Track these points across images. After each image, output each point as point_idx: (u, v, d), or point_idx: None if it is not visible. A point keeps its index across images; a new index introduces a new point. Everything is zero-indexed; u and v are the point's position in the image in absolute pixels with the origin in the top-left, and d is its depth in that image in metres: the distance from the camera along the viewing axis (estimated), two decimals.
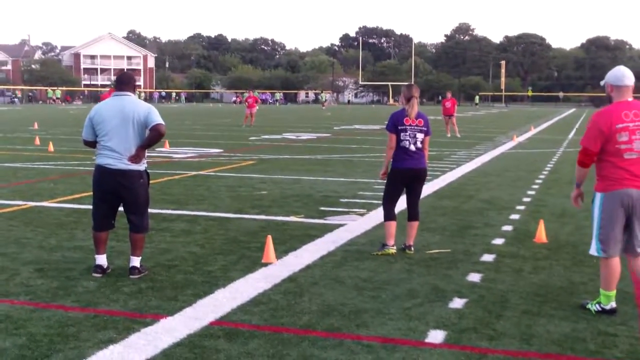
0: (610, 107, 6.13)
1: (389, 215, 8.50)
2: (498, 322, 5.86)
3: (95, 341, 5.26)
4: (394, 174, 8.50)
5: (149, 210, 7.50)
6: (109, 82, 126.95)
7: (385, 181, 8.72)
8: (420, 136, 8.39)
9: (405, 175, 8.45)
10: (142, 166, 7.19)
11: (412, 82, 9.60)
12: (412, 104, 8.36)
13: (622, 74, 6.14)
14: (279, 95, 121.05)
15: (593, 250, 6.24)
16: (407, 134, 8.35)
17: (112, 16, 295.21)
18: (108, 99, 7.33)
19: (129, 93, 7.22)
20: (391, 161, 8.52)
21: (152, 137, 7.07)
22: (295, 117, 55.15)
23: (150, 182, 7.47)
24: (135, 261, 7.21)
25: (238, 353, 5.09)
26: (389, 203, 8.54)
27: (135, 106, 7.09)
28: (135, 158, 7.09)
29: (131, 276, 7.10)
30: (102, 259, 7.25)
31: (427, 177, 14.70)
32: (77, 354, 5.03)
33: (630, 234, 6.13)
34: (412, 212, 8.60)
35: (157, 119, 7.06)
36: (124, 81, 7.30)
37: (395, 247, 8.37)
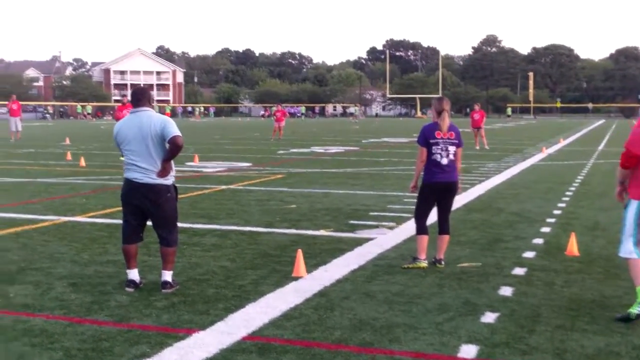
0: None
1: (421, 229, 8.48)
2: (531, 337, 5.82)
3: (129, 356, 5.31)
4: (425, 188, 8.47)
5: (180, 224, 7.56)
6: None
7: (414, 194, 8.71)
8: (452, 149, 8.38)
9: (436, 189, 8.42)
10: (169, 180, 7.24)
11: (442, 95, 9.58)
12: (443, 117, 8.33)
13: None
14: (303, 108, 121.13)
15: (627, 253, 6.38)
16: (439, 147, 8.33)
17: (142, 32, 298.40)
18: (126, 117, 7.39)
19: (145, 108, 7.27)
20: (422, 175, 8.50)
21: (171, 150, 7.11)
22: (324, 131, 55.24)
23: (180, 196, 7.53)
24: (167, 275, 7.26)
25: None
26: (420, 217, 8.52)
27: (150, 121, 7.13)
28: (163, 172, 7.15)
29: (163, 290, 7.16)
30: (134, 274, 7.31)
31: None
32: None
33: None
34: (443, 226, 8.57)
35: (173, 131, 7.06)
36: (139, 96, 7.33)
37: (426, 261, 8.35)
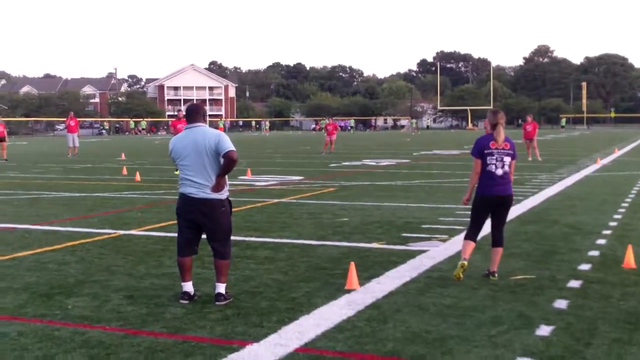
0: None
1: (470, 236, 8.44)
2: (587, 350, 5.74)
3: None
4: (479, 200, 8.43)
5: (233, 237, 7.66)
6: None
7: (468, 206, 8.67)
8: (507, 160, 8.35)
9: (491, 202, 8.38)
10: (223, 195, 7.34)
11: (496, 108, 9.62)
12: (498, 131, 8.33)
13: None
14: (352, 121, 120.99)
15: None
16: (494, 157, 8.31)
17: (195, 48, 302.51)
18: (182, 133, 7.53)
19: (199, 124, 7.41)
20: (476, 187, 8.47)
21: (226, 165, 7.23)
22: (375, 144, 55.21)
23: (234, 209, 7.62)
24: (221, 287, 7.34)
25: None
26: (473, 228, 8.48)
27: (205, 136, 7.26)
28: (217, 187, 7.25)
29: (217, 302, 7.23)
30: (188, 286, 7.41)
31: None
32: None
33: None
34: (497, 238, 8.51)
35: (227, 146, 7.18)
36: (193, 112, 7.47)
37: (466, 261, 8.24)
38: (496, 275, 8.34)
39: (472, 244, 8.40)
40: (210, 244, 7.46)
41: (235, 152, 7.23)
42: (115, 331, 6.33)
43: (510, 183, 8.43)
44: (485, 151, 8.32)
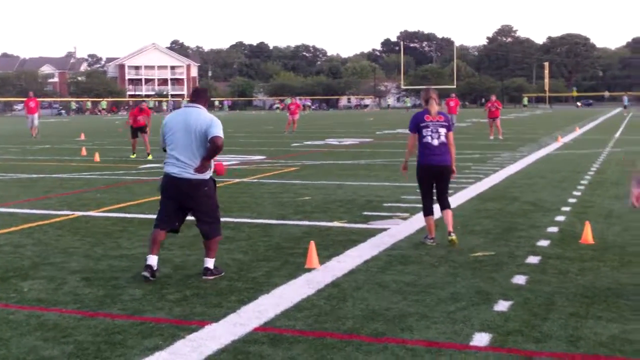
0: None
1: (426, 210, 9.05)
2: (544, 325, 5.78)
3: (142, 348, 5.32)
4: (420, 170, 9.12)
5: (191, 217, 7.65)
6: (152, 92, 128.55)
7: (405, 175, 9.67)
8: (442, 131, 9.00)
9: (431, 171, 9.00)
10: (206, 175, 7.47)
11: (428, 86, 10.88)
12: (431, 104, 9.04)
13: None
14: (305, 102, 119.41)
15: None
16: (430, 129, 8.99)
17: (156, 27, 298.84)
18: (178, 110, 7.71)
19: (198, 106, 7.54)
20: (417, 158, 9.14)
21: (210, 149, 7.36)
22: (338, 123, 55.17)
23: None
24: (209, 262, 7.45)
25: (282, 358, 5.10)
26: (424, 199, 9.09)
27: (198, 118, 7.38)
28: (200, 169, 7.36)
29: (204, 277, 7.34)
30: (153, 260, 7.37)
31: (470, 180, 14.62)
32: None
33: None
34: (444, 203, 9.08)
35: (215, 131, 7.30)
36: (196, 94, 7.70)
37: (435, 241, 8.85)
38: (453, 234, 8.84)
39: (432, 218, 9.00)
40: (197, 225, 7.58)
41: (221, 139, 7.33)
42: (72, 314, 6.23)
43: (448, 154, 9.02)
44: (421, 124, 9.00)
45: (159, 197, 7.74)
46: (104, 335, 5.63)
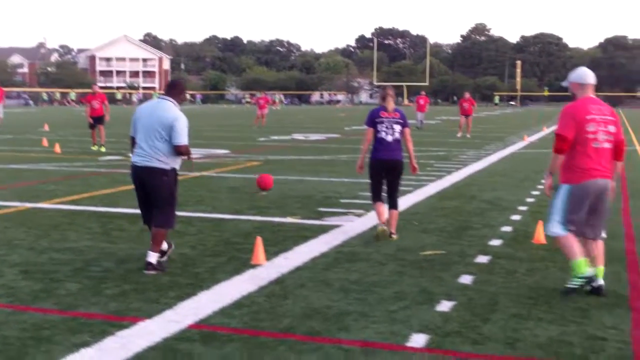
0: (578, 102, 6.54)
1: (374, 197, 9.15)
2: (484, 326, 5.69)
3: (68, 345, 5.15)
4: (371, 165, 9.17)
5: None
6: (123, 84, 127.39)
7: (361, 174, 9.67)
8: (397, 127, 9.08)
9: (380, 166, 9.08)
10: (167, 165, 7.42)
11: (389, 84, 11.45)
12: (387, 100, 9.13)
13: (584, 74, 6.71)
14: (278, 97, 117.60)
15: (556, 232, 6.61)
16: (385, 125, 9.07)
17: (129, 19, 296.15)
18: (150, 101, 7.81)
19: (169, 98, 7.59)
20: (370, 154, 9.22)
21: (177, 154, 7.48)
22: (308, 118, 54.99)
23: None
24: (152, 257, 7.30)
25: (212, 357, 4.97)
26: (374, 192, 9.18)
27: (164, 112, 7.44)
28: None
29: (145, 271, 7.18)
30: (151, 256, 7.32)
31: (431, 178, 14.55)
32: (47, 358, 4.92)
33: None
34: (391, 202, 9.18)
35: (178, 139, 7.35)
36: (169, 87, 7.78)
37: (384, 226, 8.92)
38: (394, 236, 8.97)
39: (380, 205, 9.07)
40: (152, 211, 7.50)
41: (184, 147, 7.42)
42: (3, 308, 6.04)
43: (400, 150, 9.11)
44: (376, 120, 9.09)
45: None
46: (31, 331, 5.45)
